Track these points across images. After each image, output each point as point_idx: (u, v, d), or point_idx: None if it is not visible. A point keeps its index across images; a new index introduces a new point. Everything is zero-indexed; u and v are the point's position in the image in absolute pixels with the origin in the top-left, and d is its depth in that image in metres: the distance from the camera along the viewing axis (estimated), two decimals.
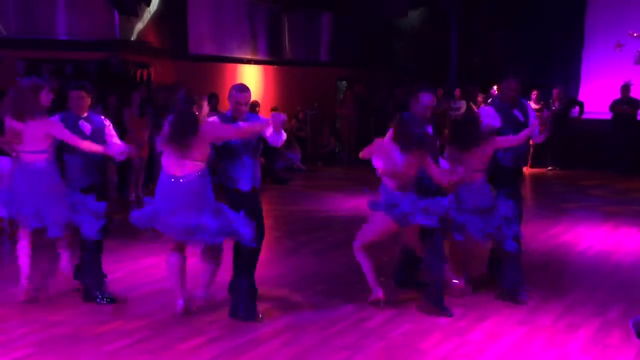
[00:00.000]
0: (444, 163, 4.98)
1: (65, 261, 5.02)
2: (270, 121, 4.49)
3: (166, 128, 4.40)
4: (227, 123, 4.54)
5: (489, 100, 5.29)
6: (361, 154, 4.81)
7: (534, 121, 5.22)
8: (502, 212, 4.89)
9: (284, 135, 4.66)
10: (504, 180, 5.06)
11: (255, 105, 10.85)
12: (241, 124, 4.51)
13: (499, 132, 5.06)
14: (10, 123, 4.76)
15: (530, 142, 5.24)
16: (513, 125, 5.10)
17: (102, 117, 5.08)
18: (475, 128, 4.92)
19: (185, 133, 4.32)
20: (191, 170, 4.37)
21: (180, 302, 4.56)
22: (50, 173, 4.75)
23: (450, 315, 4.59)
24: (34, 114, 4.70)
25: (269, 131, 4.52)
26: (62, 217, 4.69)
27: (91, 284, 4.85)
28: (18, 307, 4.70)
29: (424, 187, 4.77)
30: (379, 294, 4.80)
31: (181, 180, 4.37)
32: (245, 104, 4.61)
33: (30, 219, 4.68)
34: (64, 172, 4.87)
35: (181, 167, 4.37)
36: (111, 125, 5.09)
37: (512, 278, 4.92)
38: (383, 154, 4.67)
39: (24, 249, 4.85)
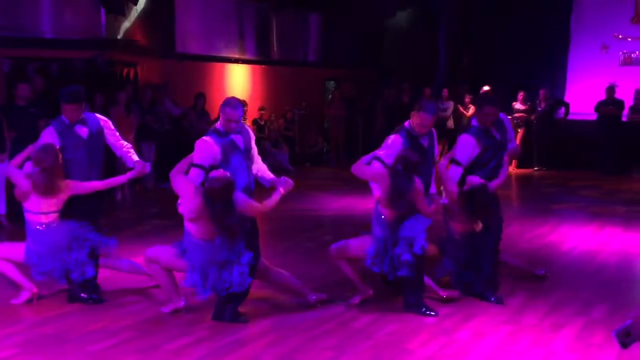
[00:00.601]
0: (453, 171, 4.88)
1: None
2: (280, 190, 4.55)
3: None
4: (222, 141, 4.48)
5: (471, 121, 5.17)
6: (353, 169, 4.71)
7: (511, 135, 5.15)
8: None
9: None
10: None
11: (243, 104, 10.83)
12: (255, 205, 4.46)
13: (478, 156, 4.92)
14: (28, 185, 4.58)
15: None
16: (492, 147, 4.97)
17: (99, 117, 4.95)
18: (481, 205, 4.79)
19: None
20: None
21: (181, 301, 4.57)
22: (64, 227, 4.66)
23: (435, 315, 4.62)
24: (61, 182, 4.60)
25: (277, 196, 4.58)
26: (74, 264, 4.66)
27: (77, 284, 4.81)
28: (1, 307, 4.65)
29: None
30: (369, 291, 4.80)
31: None
32: (236, 121, 4.53)
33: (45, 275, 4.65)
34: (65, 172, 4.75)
35: None
36: (109, 123, 4.98)
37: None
38: (383, 182, 4.57)
39: (4, 263, 4.74)
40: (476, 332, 4.37)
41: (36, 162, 4.55)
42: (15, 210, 7.57)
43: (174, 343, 4.11)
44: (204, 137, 4.55)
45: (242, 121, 4.64)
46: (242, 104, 4.72)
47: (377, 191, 4.61)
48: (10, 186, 7.62)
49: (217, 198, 4.21)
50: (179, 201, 4.35)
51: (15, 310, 4.65)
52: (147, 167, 4.92)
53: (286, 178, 4.63)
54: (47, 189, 4.54)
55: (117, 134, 5.02)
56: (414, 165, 4.56)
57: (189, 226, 4.36)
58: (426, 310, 4.64)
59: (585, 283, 5.51)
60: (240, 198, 4.37)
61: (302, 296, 4.83)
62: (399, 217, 4.57)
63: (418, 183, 4.61)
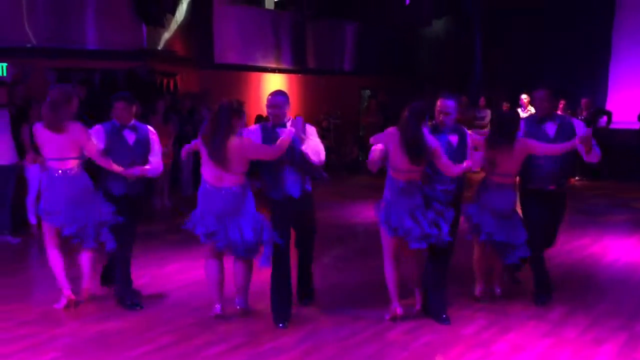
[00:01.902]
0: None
1: (87, 268, 4.98)
2: (291, 127, 4.54)
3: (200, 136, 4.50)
4: (267, 134, 4.62)
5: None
6: (368, 163, 4.70)
7: (577, 139, 4.85)
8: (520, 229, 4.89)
9: (314, 143, 4.64)
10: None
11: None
12: (268, 146, 4.51)
13: None
14: (42, 132, 4.76)
15: (585, 159, 4.89)
16: (538, 140, 4.95)
17: (149, 128, 5.04)
18: (508, 127, 4.79)
19: (219, 148, 4.38)
20: (230, 183, 4.45)
21: (217, 307, 4.65)
22: (83, 179, 4.79)
23: (449, 323, 4.59)
24: (68, 122, 4.73)
25: (301, 143, 4.56)
26: (95, 224, 4.74)
27: (120, 290, 4.92)
28: (45, 312, 4.78)
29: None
30: (397, 309, 4.64)
31: (222, 192, 4.46)
32: (272, 106, 4.66)
33: (66, 227, 4.71)
34: (99, 179, 4.89)
35: (220, 180, 4.47)
36: (156, 136, 5.06)
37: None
38: (392, 139, 4.50)
39: (56, 257, 4.87)
40: (515, 345, 4.29)
41: (49, 95, 4.77)
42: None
43: (212, 349, 4.16)
44: (248, 131, 4.73)
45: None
46: (280, 93, 4.78)
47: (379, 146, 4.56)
48: None
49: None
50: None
51: (58, 314, 4.76)
52: (136, 171, 4.85)
53: (297, 117, 4.63)
54: (51, 122, 4.68)
55: (158, 149, 5.08)
56: (420, 109, 4.42)
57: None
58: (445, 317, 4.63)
59: (628, 296, 5.36)
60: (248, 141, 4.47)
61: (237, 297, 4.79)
62: (422, 178, 4.51)
63: (433, 141, 4.45)
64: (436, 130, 4.72)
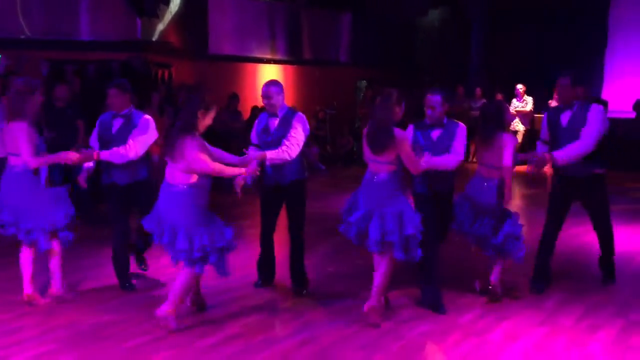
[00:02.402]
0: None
1: (27, 269, 4.72)
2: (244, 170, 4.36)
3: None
4: (261, 121, 4.88)
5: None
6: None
7: (590, 128, 4.75)
8: (507, 226, 4.77)
9: (275, 153, 4.65)
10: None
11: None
12: (213, 166, 4.21)
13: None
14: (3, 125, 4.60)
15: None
16: (552, 129, 4.93)
17: (144, 116, 4.88)
18: (491, 119, 4.74)
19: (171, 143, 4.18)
20: (177, 181, 4.19)
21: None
22: (27, 178, 4.53)
23: (444, 313, 4.57)
24: (23, 117, 4.50)
25: (265, 161, 4.62)
26: (45, 227, 4.54)
27: (118, 278, 5.01)
28: (42, 306, 4.77)
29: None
30: (374, 302, 4.42)
31: (166, 190, 4.22)
32: (263, 96, 4.81)
33: (7, 227, 4.53)
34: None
35: (171, 177, 4.22)
36: (146, 125, 4.85)
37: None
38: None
39: (22, 253, 4.69)
40: (510, 334, 4.31)
41: (13, 85, 4.68)
42: None
43: (207, 340, 4.16)
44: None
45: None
46: (272, 82, 4.87)
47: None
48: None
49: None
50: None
51: (54, 307, 4.75)
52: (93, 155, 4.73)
53: (252, 161, 4.49)
54: (10, 112, 4.53)
55: (137, 139, 4.83)
56: (389, 96, 4.32)
57: None
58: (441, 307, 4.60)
59: (623, 284, 5.38)
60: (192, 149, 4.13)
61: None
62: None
63: (400, 133, 4.33)
64: (421, 124, 4.72)
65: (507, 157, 4.68)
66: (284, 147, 4.72)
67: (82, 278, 5.36)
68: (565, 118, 4.94)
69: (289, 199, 4.96)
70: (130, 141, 4.82)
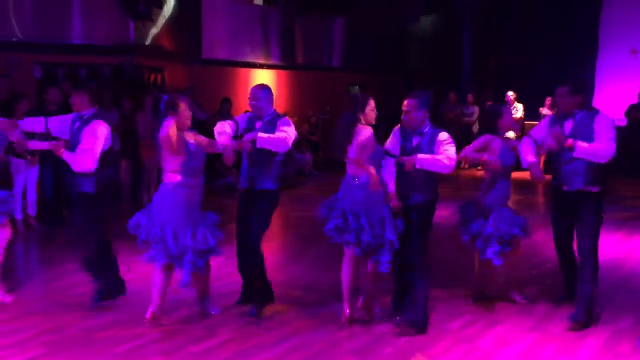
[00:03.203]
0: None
1: None
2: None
3: None
4: (248, 122, 4.78)
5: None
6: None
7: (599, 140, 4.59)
8: (493, 220, 4.80)
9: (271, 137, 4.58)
10: None
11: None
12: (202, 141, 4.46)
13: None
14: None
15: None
16: (552, 137, 4.73)
17: (96, 121, 4.70)
18: (486, 121, 4.84)
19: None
20: (166, 179, 4.39)
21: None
22: None
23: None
24: None
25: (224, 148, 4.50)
26: None
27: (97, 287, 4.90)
28: (30, 309, 4.75)
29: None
30: (346, 311, 4.50)
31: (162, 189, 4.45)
32: (251, 97, 4.76)
33: None
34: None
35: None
36: (96, 130, 4.64)
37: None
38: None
39: None
40: (500, 340, 4.32)
41: None
42: (47, 212, 7.75)
43: (199, 345, 4.15)
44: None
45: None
46: (260, 86, 4.86)
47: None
48: (40, 188, 7.78)
49: None
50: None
51: (42, 312, 4.73)
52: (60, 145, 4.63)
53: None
54: None
55: (84, 148, 4.63)
56: (355, 99, 4.45)
57: None
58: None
59: (612, 291, 5.41)
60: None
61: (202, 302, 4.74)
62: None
63: (365, 132, 4.42)
64: (404, 129, 4.66)
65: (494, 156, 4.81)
66: (281, 133, 4.59)
67: (74, 283, 5.33)
68: (568, 126, 4.75)
69: (256, 207, 4.72)
70: (78, 153, 4.63)
